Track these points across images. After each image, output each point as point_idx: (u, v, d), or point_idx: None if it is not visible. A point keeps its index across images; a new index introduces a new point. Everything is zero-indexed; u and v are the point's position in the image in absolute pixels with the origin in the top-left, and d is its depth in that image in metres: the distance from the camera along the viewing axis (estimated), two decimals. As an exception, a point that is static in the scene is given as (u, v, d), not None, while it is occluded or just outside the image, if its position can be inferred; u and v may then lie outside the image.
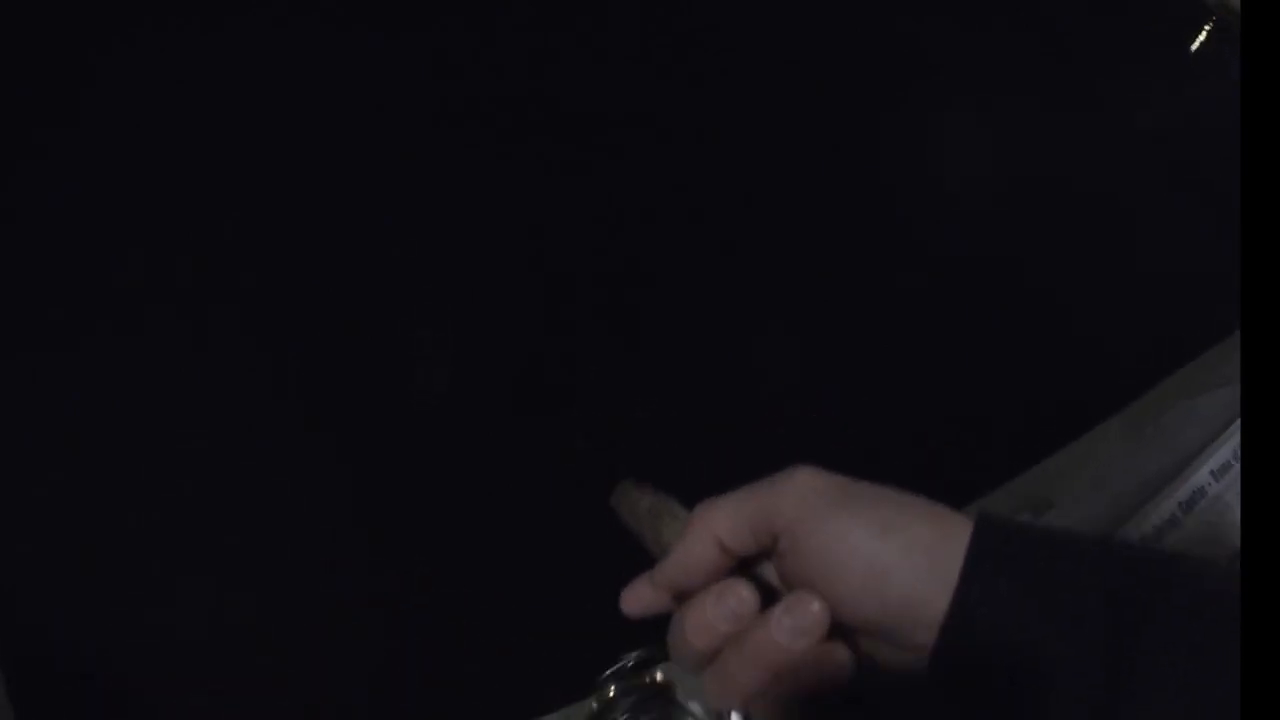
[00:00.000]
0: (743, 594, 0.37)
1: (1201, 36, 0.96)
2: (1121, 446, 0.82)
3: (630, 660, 0.49)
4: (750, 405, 0.81)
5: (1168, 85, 1.04)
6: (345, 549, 0.87)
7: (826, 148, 0.96)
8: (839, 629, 0.37)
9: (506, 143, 0.85)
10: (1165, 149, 1.02)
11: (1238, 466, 0.76)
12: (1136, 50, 1.06)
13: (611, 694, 0.48)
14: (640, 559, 0.43)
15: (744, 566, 0.40)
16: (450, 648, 0.81)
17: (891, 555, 0.36)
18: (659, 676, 0.49)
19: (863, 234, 0.94)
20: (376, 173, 0.86)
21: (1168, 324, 0.93)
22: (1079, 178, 1.00)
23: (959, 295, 0.92)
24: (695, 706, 0.48)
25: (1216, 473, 0.76)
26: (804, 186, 0.94)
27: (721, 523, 0.38)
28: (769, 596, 0.38)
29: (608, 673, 0.48)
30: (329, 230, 0.84)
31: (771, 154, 0.95)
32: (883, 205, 0.95)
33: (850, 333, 0.89)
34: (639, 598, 0.41)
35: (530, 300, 0.83)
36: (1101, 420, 0.86)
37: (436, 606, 0.83)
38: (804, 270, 0.91)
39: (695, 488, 0.42)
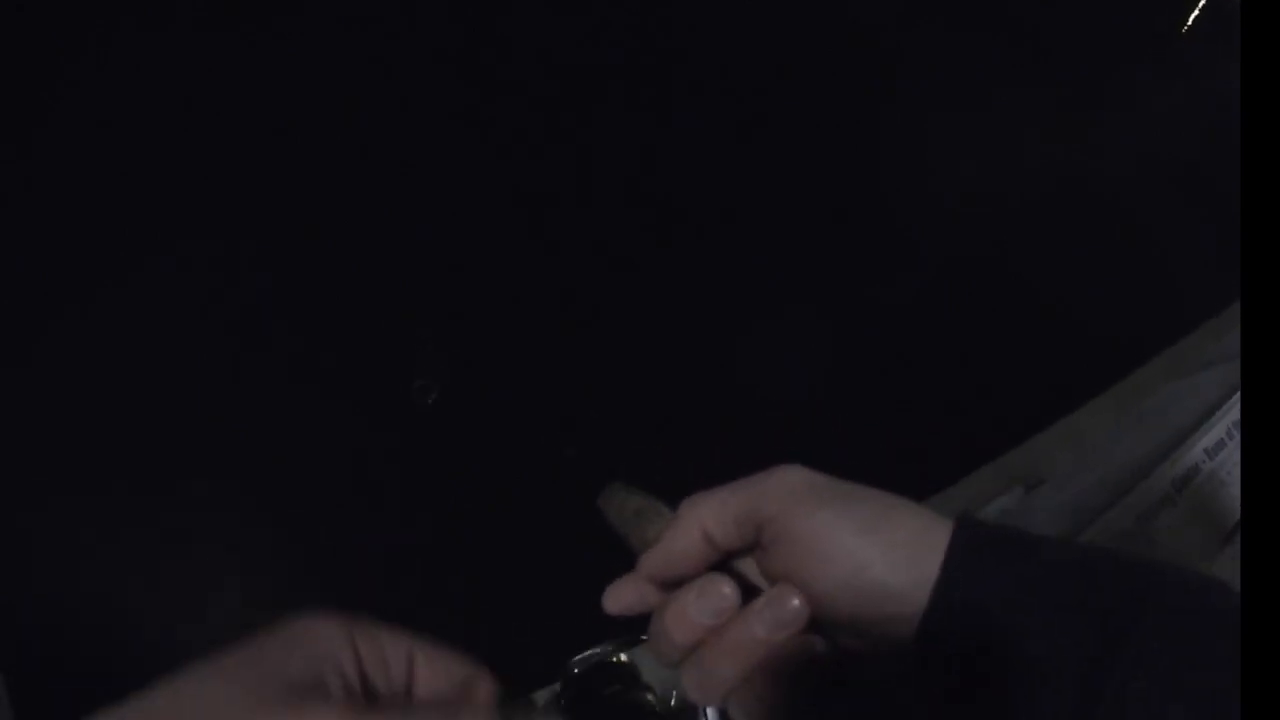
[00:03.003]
0: (724, 590, 0.38)
1: (1190, 20, 0.95)
2: (1112, 424, 0.81)
3: (596, 650, 0.49)
4: (742, 390, 0.81)
5: (1156, 77, 1.04)
6: (341, 555, 0.87)
7: (821, 143, 0.96)
8: (817, 625, 0.37)
9: (506, 148, 0.84)
10: (1153, 139, 1.02)
11: (1231, 444, 0.76)
12: (1125, 43, 1.06)
13: (575, 671, 0.49)
14: (624, 565, 0.43)
15: (724, 563, 0.40)
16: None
17: (872, 551, 0.37)
18: (623, 657, 0.50)
19: (855, 220, 0.94)
20: (368, 173, 0.85)
21: (1157, 303, 0.93)
22: (1067, 165, 1.00)
23: (952, 277, 0.92)
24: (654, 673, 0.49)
25: (1210, 451, 0.75)
26: (799, 182, 0.94)
27: (709, 515, 0.39)
28: (748, 593, 0.38)
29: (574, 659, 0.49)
30: (326, 232, 0.84)
31: (765, 152, 0.94)
32: (874, 192, 0.95)
33: (844, 313, 0.88)
34: (620, 596, 0.41)
35: (523, 312, 0.83)
36: (1092, 397, 0.85)
37: (427, 618, 0.83)
38: (797, 256, 0.90)
39: (684, 493, 0.42)
